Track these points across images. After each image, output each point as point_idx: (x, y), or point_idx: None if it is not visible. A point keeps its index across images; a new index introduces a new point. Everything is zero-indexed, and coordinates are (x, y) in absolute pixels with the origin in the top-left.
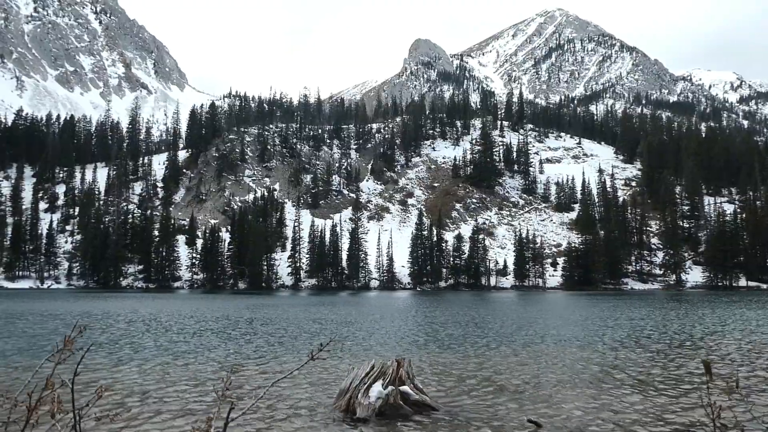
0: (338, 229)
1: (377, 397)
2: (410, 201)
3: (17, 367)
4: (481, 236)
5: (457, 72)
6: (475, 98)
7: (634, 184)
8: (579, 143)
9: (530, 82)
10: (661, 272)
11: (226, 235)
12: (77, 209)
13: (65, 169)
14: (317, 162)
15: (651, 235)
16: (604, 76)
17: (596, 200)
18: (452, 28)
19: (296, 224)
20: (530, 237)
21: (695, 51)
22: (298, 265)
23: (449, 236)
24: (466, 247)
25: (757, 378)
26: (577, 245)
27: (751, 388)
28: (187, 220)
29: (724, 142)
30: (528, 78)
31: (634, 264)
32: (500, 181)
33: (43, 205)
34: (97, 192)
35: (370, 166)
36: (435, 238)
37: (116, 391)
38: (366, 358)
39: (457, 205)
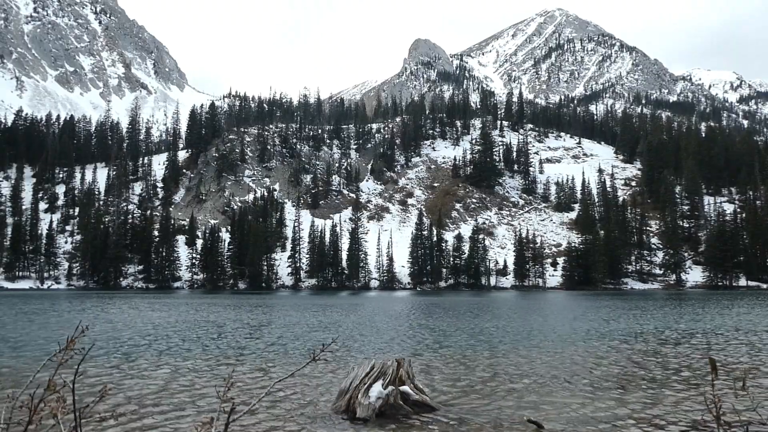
0: (338, 229)
1: (377, 397)
2: (410, 201)
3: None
4: (481, 236)
5: (457, 72)
6: (474, 98)
7: (634, 183)
8: (579, 143)
9: (530, 82)
10: (661, 272)
11: (226, 235)
12: (77, 209)
13: (65, 169)
14: (317, 162)
15: (651, 234)
16: (604, 75)
17: (596, 200)
18: (452, 28)
19: (296, 224)
20: (530, 237)
21: (695, 49)
22: (298, 265)
23: (449, 236)
24: (466, 247)
25: (763, 377)
26: (577, 245)
27: (758, 385)
28: (187, 220)
29: (724, 141)
30: (528, 78)
31: (634, 264)
32: (500, 181)
33: (43, 206)
34: (97, 192)
35: (370, 166)
36: (435, 238)
37: (119, 392)
38: (366, 358)
39: (457, 205)
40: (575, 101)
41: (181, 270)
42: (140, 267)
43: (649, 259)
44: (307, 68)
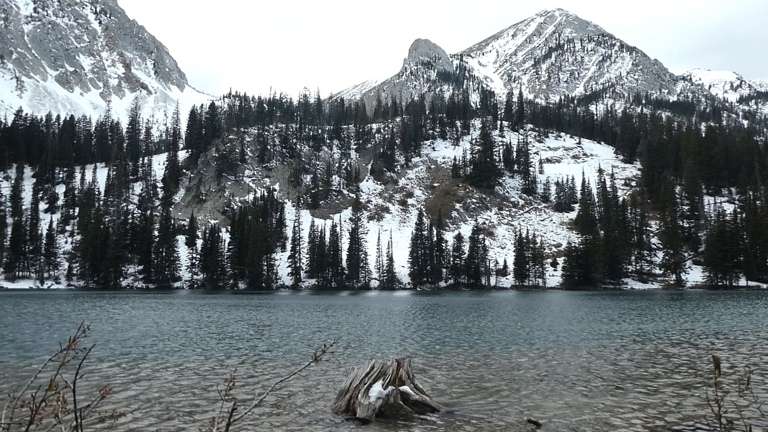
0: (338, 229)
1: (377, 397)
2: (410, 201)
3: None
4: (481, 236)
5: (457, 72)
6: (475, 98)
7: (634, 183)
8: (579, 143)
9: (530, 82)
10: (661, 272)
11: (226, 235)
12: (77, 209)
13: (65, 169)
14: (317, 162)
15: (651, 235)
16: (604, 76)
17: (596, 200)
18: (452, 28)
19: (296, 224)
20: (530, 237)
21: (695, 48)
22: (298, 265)
23: (449, 236)
24: (466, 247)
25: (765, 376)
26: (577, 245)
27: (762, 381)
28: (187, 220)
29: (724, 141)
30: (528, 78)
31: (634, 264)
32: (500, 181)
33: (43, 206)
34: (97, 192)
35: (370, 166)
36: (435, 238)
37: (122, 393)
38: (366, 358)
39: (457, 205)
40: (575, 101)
41: (181, 270)
42: (140, 267)
43: (649, 259)
44: (307, 68)
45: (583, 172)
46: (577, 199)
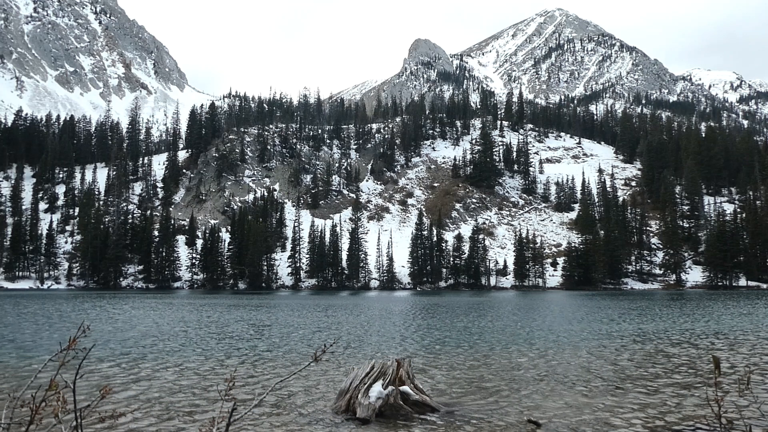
0: (338, 229)
1: (377, 397)
2: (410, 201)
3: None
4: (481, 236)
5: (457, 72)
6: (474, 98)
7: (634, 183)
8: (579, 143)
9: (530, 82)
10: (661, 272)
11: (226, 235)
12: (77, 209)
13: (65, 169)
14: (317, 162)
15: (651, 234)
16: (604, 76)
17: (596, 200)
18: (452, 28)
19: (296, 224)
20: (530, 237)
21: (695, 48)
22: (298, 265)
23: (449, 236)
24: (466, 247)
25: (765, 376)
26: (577, 245)
27: (762, 381)
28: (187, 220)
29: (724, 141)
30: (528, 78)
31: (634, 264)
32: (500, 181)
33: (43, 206)
34: (97, 192)
35: (370, 166)
36: (435, 238)
37: (122, 393)
38: (366, 358)
39: (457, 205)
40: (575, 101)
41: (181, 270)
42: (140, 267)
43: (649, 259)
44: (307, 68)
45: (583, 172)
46: (577, 199)
